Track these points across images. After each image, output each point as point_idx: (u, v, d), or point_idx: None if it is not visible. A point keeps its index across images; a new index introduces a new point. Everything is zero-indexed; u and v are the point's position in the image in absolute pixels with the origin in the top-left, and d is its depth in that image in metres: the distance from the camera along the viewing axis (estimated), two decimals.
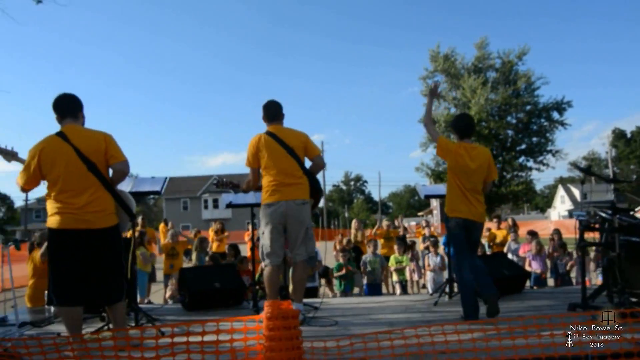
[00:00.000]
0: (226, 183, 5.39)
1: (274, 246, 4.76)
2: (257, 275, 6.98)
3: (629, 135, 71.35)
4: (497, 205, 39.21)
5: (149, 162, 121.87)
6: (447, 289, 5.89)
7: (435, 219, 60.96)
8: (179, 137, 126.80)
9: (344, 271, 8.66)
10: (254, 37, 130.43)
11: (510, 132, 37.55)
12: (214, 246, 12.84)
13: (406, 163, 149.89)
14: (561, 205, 67.74)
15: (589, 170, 4.98)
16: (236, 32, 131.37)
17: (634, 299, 4.35)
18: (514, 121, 37.38)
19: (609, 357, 3.03)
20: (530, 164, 38.25)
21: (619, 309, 3.81)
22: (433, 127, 5.02)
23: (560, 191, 69.59)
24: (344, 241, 9.99)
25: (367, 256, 9.05)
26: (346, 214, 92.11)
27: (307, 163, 4.96)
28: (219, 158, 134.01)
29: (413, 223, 34.73)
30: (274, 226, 4.73)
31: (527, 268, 8.84)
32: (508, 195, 37.18)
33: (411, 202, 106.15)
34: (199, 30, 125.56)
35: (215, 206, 59.83)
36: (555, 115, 36.53)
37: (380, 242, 11.42)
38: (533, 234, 9.18)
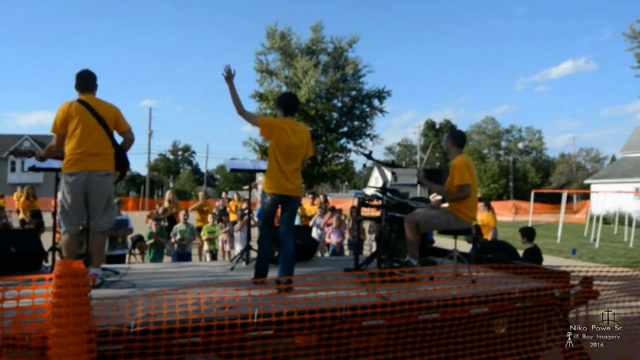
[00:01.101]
0: (24, 152, 5.28)
1: (72, 216, 4.79)
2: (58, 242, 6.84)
3: (437, 127, 79.58)
4: (317, 182, 41.39)
5: None
6: (244, 256, 6.38)
7: (260, 193, 62.33)
8: None
9: (155, 239, 8.80)
10: None
11: (335, 114, 39.68)
12: (21, 213, 12.01)
13: (237, 137, 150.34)
14: (374, 182, 73.57)
15: (370, 155, 5.72)
16: None
17: (396, 264, 5.25)
18: (339, 104, 39.61)
19: (358, 309, 3.70)
20: (350, 146, 40.87)
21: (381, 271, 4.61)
22: (248, 112, 5.04)
23: (375, 172, 75.43)
24: (160, 210, 10.06)
25: (178, 225, 9.27)
26: (171, 184, 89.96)
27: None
28: (34, 116, 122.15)
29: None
30: (73, 195, 4.74)
31: (327, 240, 9.76)
32: (328, 173, 39.45)
33: (239, 176, 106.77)
34: None
35: (24, 169, 54.45)
36: (376, 102, 39.41)
37: (196, 213, 11.70)
38: (333, 210, 10.13)
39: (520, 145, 69.12)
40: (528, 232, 7.40)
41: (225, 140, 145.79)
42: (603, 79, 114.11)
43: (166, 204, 11.61)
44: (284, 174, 4.90)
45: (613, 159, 55.85)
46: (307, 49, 38.44)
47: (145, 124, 52.34)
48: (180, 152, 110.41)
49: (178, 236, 9.10)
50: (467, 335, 4.18)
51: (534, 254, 7.06)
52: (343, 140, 40.90)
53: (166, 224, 9.99)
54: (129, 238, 8.63)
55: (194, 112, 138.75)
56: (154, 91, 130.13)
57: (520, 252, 7.19)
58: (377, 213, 5.74)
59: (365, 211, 5.79)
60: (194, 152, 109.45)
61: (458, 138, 5.52)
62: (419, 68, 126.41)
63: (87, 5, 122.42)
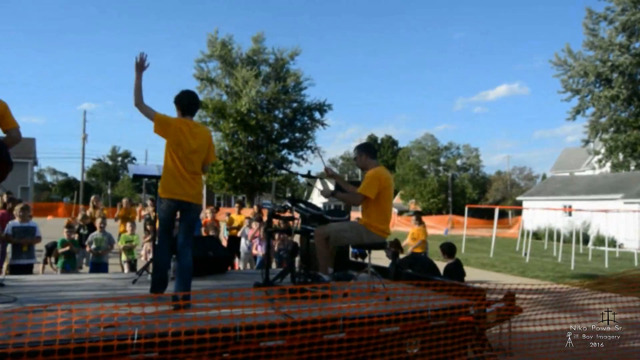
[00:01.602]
0: None
1: None
2: None
3: (379, 142, 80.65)
4: (260, 192, 40.98)
5: None
6: (150, 269, 5.92)
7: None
8: None
9: (67, 248, 8.19)
10: None
11: (276, 125, 39.46)
12: None
13: None
14: (317, 197, 73.63)
15: (280, 164, 5.47)
16: None
17: (311, 280, 4.95)
18: (280, 116, 39.42)
19: (254, 328, 3.37)
20: (292, 157, 40.67)
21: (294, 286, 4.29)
22: (146, 106, 4.60)
23: (318, 184, 75.53)
24: (79, 216, 9.44)
25: (94, 234, 8.66)
26: (109, 191, 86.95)
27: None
28: None
29: None
30: None
31: (254, 251, 9.39)
32: (269, 184, 39.09)
33: None
34: None
35: None
36: (317, 115, 39.42)
37: (119, 222, 11.09)
38: (261, 220, 9.77)
39: (459, 162, 70.71)
40: (447, 248, 7.24)
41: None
42: (535, 103, 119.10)
43: (90, 210, 10.95)
44: (183, 177, 4.52)
45: (544, 177, 58.08)
46: (248, 59, 38.15)
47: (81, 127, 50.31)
48: (119, 158, 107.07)
49: (93, 245, 8.48)
50: (377, 356, 3.92)
51: (455, 270, 6.92)
52: (284, 151, 40.76)
53: (85, 231, 9.36)
54: (38, 247, 7.98)
55: (136, 118, 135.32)
56: (93, 95, 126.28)
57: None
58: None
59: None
60: (134, 159, 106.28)
61: (368, 149, 5.27)
62: (363, 86, 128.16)
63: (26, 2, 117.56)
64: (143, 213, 13.52)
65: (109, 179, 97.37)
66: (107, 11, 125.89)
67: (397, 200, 68.44)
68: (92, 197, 11.49)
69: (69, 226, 8.54)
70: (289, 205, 5.03)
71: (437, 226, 37.41)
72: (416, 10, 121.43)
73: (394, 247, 5.63)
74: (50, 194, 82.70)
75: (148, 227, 10.30)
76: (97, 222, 8.75)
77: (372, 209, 4.99)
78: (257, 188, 39.29)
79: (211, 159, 4.81)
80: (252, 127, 36.43)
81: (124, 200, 11.89)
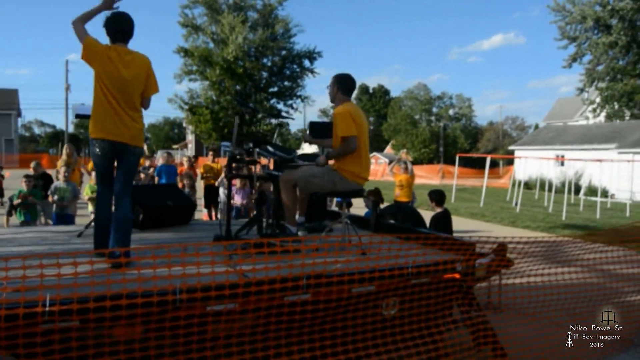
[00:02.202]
0: None
1: None
2: None
3: (371, 91, 79.44)
4: (246, 141, 40.09)
5: None
6: None
7: (190, 152, 60.34)
8: None
9: (21, 199, 7.62)
10: None
11: (264, 73, 38.32)
12: None
13: (164, 93, 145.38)
14: (309, 147, 72.92)
15: (248, 105, 4.82)
16: None
17: (277, 230, 4.39)
18: (269, 64, 38.24)
19: (198, 291, 2.82)
20: (281, 106, 39.72)
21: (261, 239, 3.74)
22: (83, 27, 3.89)
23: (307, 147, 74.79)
24: (32, 165, 8.83)
25: (57, 183, 8.04)
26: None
27: None
28: None
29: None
30: None
31: (232, 201, 8.87)
32: (257, 134, 38.25)
33: (170, 135, 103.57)
34: None
35: None
36: (307, 63, 38.29)
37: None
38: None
39: (451, 112, 69.70)
40: (436, 196, 6.61)
41: (157, 98, 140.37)
42: (531, 53, 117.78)
43: (63, 159, 10.30)
44: (116, 113, 3.88)
45: (536, 127, 57.43)
46: (235, 5, 36.64)
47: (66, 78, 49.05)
48: None
49: (56, 196, 7.88)
50: (347, 319, 3.40)
51: (442, 220, 6.34)
52: (273, 101, 39.74)
53: (40, 182, 8.77)
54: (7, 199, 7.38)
55: None
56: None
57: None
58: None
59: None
60: None
61: (343, 82, 4.55)
62: (355, 34, 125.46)
63: None
64: None
65: None
66: None
67: (388, 150, 67.94)
68: (65, 146, 10.83)
69: (27, 176, 7.94)
70: (251, 147, 4.42)
71: (428, 175, 37.02)
72: None
73: (374, 196, 5.08)
74: (37, 146, 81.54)
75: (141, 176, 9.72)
76: (62, 171, 8.11)
77: None
78: (245, 138, 38.49)
79: (152, 90, 4.11)
80: (240, 75, 35.35)
81: None
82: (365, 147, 4.43)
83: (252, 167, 4.49)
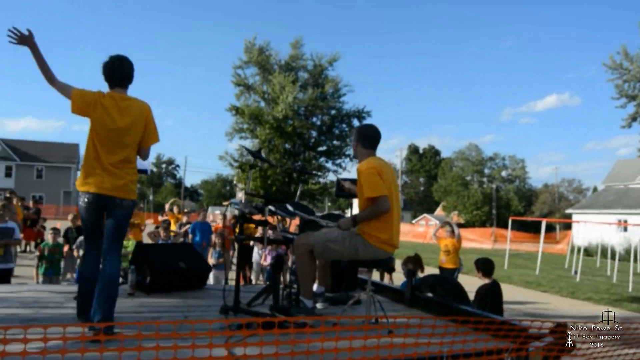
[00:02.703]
0: None
1: None
2: None
3: (421, 151, 78.84)
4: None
5: None
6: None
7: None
8: None
9: (46, 252, 7.37)
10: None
11: (314, 132, 38.49)
12: None
13: (215, 150, 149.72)
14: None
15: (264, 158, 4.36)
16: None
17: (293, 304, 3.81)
18: (318, 123, 38.43)
19: None
20: (329, 165, 39.59)
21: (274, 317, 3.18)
22: (60, 82, 3.64)
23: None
24: (69, 217, 8.64)
25: (81, 237, 7.76)
26: (151, 197, 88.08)
27: None
28: (21, 122, 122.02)
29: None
30: None
31: (263, 262, 8.37)
32: (306, 192, 38.04)
33: (222, 192, 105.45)
34: None
35: None
36: (356, 122, 38.26)
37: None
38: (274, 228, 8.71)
39: (504, 173, 68.03)
40: (483, 265, 5.86)
41: (204, 154, 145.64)
42: (586, 113, 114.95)
43: None
44: (101, 165, 3.60)
45: (595, 189, 55.02)
46: (286, 66, 37.39)
47: None
48: (163, 165, 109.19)
49: (81, 250, 7.58)
50: None
51: (490, 294, 5.56)
52: (322, 159, 39.64)
53: (74, 234, 8.55)
54: (15, 249, 7.15)
55: (178, 125, 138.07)
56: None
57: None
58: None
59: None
60: (177, 166, 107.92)
61: (364, 134, 4.09)
62: (407, 94, 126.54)
63: (75, 13, 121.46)
64: (160, 219, 12.72)
65: (153, 185, 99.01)
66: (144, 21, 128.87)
67: (439, 211, 66.50)
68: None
69: (55, 229, 7.71)
70: (259, 206, 3.93)
71: (480, 239, 35.59)
72: (462, 18, 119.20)
73: (413, 264, 4.46)
74: None
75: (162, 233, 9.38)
76: None
77: None
78: (293, 197, 38.36)
79: (151, 140, 3.83)
80: (289, 133, 35.61)
81: None
82: (396, 207, 3.86)
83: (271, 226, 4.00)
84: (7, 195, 12.17)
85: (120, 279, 4.98)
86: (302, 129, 36.69)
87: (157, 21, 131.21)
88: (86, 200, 3.59)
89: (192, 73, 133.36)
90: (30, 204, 14.33)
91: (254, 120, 36.10)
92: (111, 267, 3.55)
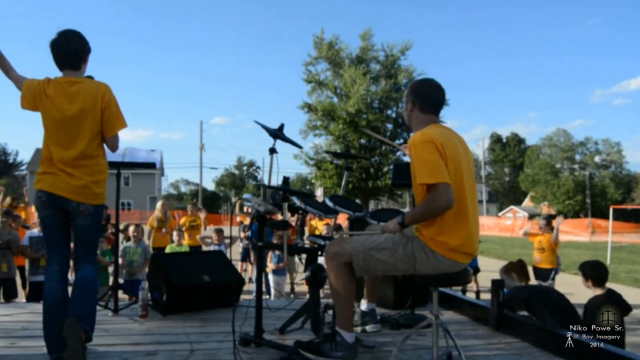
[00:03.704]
0: None
1: None
2: None
3: (504, 140, 75.16)
4: (374, 197, 39.02)
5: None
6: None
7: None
8: None
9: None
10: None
11: (389, 125, 37.25)
12: None
13: (292, 149, 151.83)
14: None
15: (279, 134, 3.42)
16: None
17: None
18: (393, 115, 37.13)
19: None
20: (407, 158, 38.23)
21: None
22: (16, 74, 3.13)
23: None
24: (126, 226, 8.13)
25: (127, 244, 7.16)
26: (233, 199, 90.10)
27: None
28: (136, 133, 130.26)
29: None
30: None
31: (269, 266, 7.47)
32: (384, 188, 36.92)
33: (303, 191, 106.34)
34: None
35: None
36: None
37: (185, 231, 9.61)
38: (339, 228, 7.75)
39: (597, 159, 63.20)
40: (593, 271, 4.27)
41: (282, 154, 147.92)
42: None
43: (156, 216, 9.62)
44: (49, 161, 3.00)
45: None
46: (357, 59, 36.36)
47: (213, 140, 52.63)
48: (245, 167, 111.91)
49: (126, 258, 7.00)
50: None
51: (607, 310, 4.20)
52: (399, 153, 38.33)
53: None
54: None
55: (257, 127, 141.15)
56: (224, 109, 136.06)
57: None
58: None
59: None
60: (258, 167, 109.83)
61: (420, 92, 2.91)
62: (486, 82, 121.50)
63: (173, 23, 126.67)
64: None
65: (235, 188, 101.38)
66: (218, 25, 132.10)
67: (527, 202, 63.00)
68: (159, 202, 10.10)
69: (102, 235, 7.16)
70: (294, 202, 2.99)
71: (575, 231, 32.93)
72: None
73: (517, 272, 3.35)
74: (178, 203, 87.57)
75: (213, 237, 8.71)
76: (130, 229, 7.22)
77: None
78: (371, 192, 37.37)
79: (115, 126, 3.12)
80: (364, 127, 34.59)
81: (189, 205, 10.45)
82: (470, 199, 2.72)
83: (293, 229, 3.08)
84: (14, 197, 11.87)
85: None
86: (376, 122, 35.52)
87: (229, 29, 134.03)
88: (39, 198, 3.01)
89: (263, 73, 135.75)
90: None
91: (327, 116, 35.43)
92: (87, 273, 2.99)
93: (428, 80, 2.99)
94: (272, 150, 3.38)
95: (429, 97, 2.93)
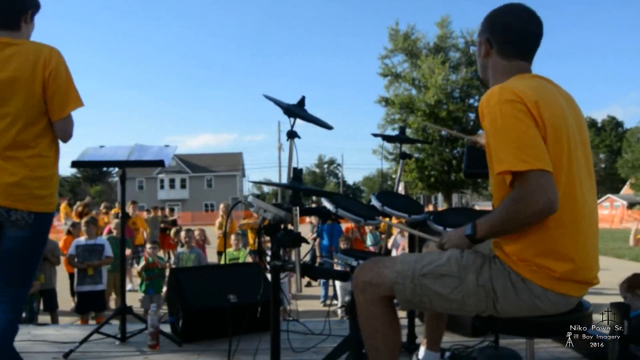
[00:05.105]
0: None
1: None
2: None
3: (599, 125, 70.27)
4: (457, 190, 37.63)
5: (128, 140, 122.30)
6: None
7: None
8: (167, 118, 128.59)
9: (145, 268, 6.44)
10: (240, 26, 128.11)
11: (471, 115, 35.52)
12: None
13: (370, 145, 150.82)
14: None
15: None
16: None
17: None
18: (476, 104, 35.38)
19: None
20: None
21: None
22: None
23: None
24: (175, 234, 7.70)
25: (180, 250, 6.68)
26: (314, 197, 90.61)
27: None
28: (199, 139, 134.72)
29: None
30: None
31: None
32: (467, 181, 35.30)
33: (384, 187, 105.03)
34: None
35: (172, 186, 58.12)
36: None
37: (248, 232, 9.13)
38: None
39: None
40: None
41: (361, 150, 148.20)
42: None
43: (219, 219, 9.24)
44: None
45: None
46: (435, 48, 34.92)
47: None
48: (325, 165, 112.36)
49: (180, 264, 6.55)
50: None
51: None
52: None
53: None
54: (105, 270, 6.24)
55: (338, 126, 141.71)
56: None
57: None
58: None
59: None
60: (339, 165, 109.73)
61: (498, 25, 1.93)
62: (577, 64, 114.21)
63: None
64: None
65: (317, 186, 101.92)
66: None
67: (626, 190, 58.41)
68: (222, 205, 9.71)
69: (153, 241, 6.74)
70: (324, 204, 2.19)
71: None
72: None
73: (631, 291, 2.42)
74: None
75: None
76: (182, 234, 6.73)
77: None
78: (454, 185, 35.86)
79: (65, 104, 2.33)
80: (444, 119, 33.16)
81: None
82: (587, 194, 1.79)
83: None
84: (106, 205, 11.66)
85: None
86: (458, 112, 34.01)
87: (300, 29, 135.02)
88: None
89: (337, 71, 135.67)
90: (167, 211, 13.97)
91: (406, 109, 34.34)
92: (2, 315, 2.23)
93: (513, 6, 1.95)
94: (291, 134, 2.59)
95: (515, 30, 1.93)
